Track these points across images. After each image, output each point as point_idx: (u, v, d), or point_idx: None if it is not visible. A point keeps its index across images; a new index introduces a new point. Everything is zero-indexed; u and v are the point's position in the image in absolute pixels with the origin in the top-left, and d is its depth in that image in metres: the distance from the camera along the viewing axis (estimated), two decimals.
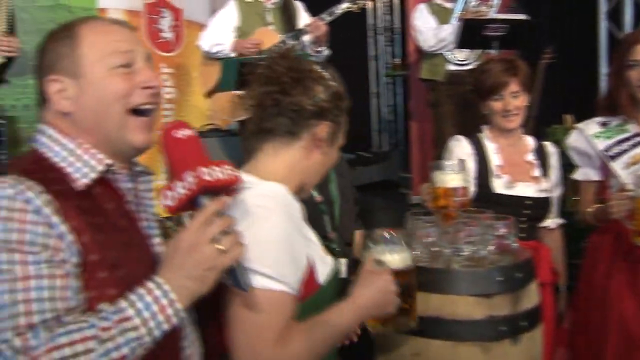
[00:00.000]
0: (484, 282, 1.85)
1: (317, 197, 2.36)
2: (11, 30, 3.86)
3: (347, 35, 7.46)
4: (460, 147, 2.77)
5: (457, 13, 5.30)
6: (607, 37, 5.64)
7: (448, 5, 5.44)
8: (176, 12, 6.23)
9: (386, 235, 1.69)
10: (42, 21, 5.73)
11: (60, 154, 1.41)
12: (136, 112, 1.45)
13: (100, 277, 1.33)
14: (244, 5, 4.81)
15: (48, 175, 1.35)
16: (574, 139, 2.84)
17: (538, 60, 4.95)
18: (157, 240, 1.51)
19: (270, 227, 1.51)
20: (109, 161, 1.42)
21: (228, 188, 1.39)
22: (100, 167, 1.41)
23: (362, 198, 2.77)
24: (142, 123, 1.46)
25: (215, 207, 1.34)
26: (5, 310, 1.22)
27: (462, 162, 2.16)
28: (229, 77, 4.14)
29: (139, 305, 1.27)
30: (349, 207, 2.64)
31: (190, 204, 1.34)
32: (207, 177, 1.33)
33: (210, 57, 4.81)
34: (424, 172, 6.48)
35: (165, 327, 1.29)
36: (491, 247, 1.93)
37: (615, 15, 5.59)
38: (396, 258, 1.66)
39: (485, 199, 2.60)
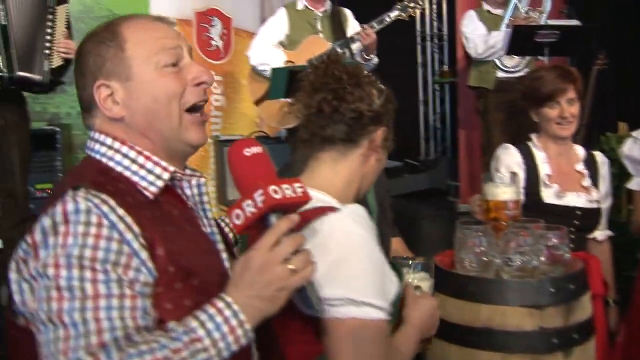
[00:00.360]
0: (535, 293, 1.82)
1: None
2: (69, 35, 3.97)
3: (396, 43, 7.47)
4: (509, 156, 2.74)
5: (506, 19, 5.26)
6: None
7: (497, 11, 5.40)
8: (226, 20, 6.31)
9: (412, 261, 1.68)
10: None
11: (123, 163, 1.38)
12: (189, 109, 1.43)
13: (176, 289, 1.30)
14: (294, 13, 4.85)
15: (119, 187, 1.33)
16: (628, 148, 2.78)
17: (590, 66, 4.85)
18: (221, 245, 1.48)
19: (368, 254, 1.48)
20: (172, 168, 1.40)
21: (298, 206, 1.37)
22: (167, 175, 1.39)
23: (409, 206, 2.77)
24: (197, 120, 1.44)
25: (285, 226, 1.29)
26: (77, 329, 1.19)
27: (513, 175, 2.14)
28: (279, 86, 4.16)
29: (209, 325, 1.23)
30: (387, 216, 2.63)
31: (260, 222, 1.32)
32: (276, 196, 1.30)
33: (255, 72, 4.87)
34: (472, 180, 6.43)
35: (234, 348, 1.25)
36: (543, 258, 1.90)
37: None
38: (426, 284, 1.66)
39: (535, 208, 2.56)
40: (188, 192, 1.46)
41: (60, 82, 3.99)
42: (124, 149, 1.39)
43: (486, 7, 5.49)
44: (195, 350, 1.21)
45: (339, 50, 4.65)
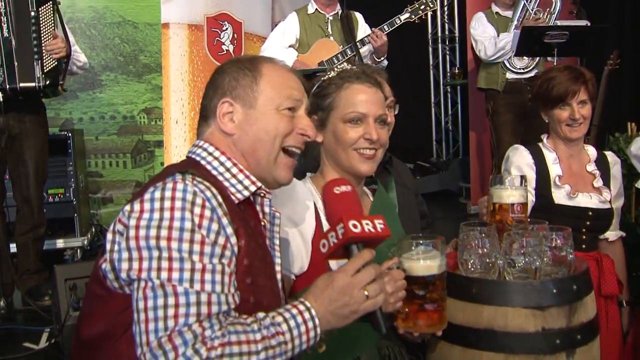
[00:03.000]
0: (538, 294, 1.82)
1: None
2: (62, 31, 3.94)
3: (408, 44, 7.47)
4: (520, 157, 2.73)
5: (516, 21, 5.26)
6: None
7: (506, 13, 5.40)
8: (237, 24, 6.33)
9: (420, 242, 1.72)
10: (109, 37, 5.95)
11: (219, 169, 1.58)
12: (286, 151, 1.63)
13: (246, 282, 1.47)
14: (305, 17, 4.88)
15: (216, 184, 1.51)
16: (636, 147, 2.77)
17: (601, 66, 4.84)
18: (278, 267, 1.66)
19: None
20: (260, 184, 1.60)
21: (380, 240, 1.56)
22: (253, 188, 1.59)
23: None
24: (290, 162, 1.65)
25: (367, 257, 1.49)
26: (189, 298, 1.32)
27: (521, 177, 2.13)
28: None
29: (292, 323, 1.40)
30: (411, 218, 2.62)
31: (344, 250, 1.53)
32: (355, 230, 1.50)
33: None
34: (483, 182, 6.43)
35: (304, 347, 1.42)
36: (546, 259, 1.89)
37: None
38: (420, 265, 1.69)
39: (546, 209, 2.56)
40: (267, 209, 1.66)
41: (59, 84, 3.96)
42: (222, 158, 1.59)
43: (495, 9, 5.49)
44: (279, 341, 1.37)
45: (348, 52, 4.67)
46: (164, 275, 1.33)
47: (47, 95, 4.04)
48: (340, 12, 4.88)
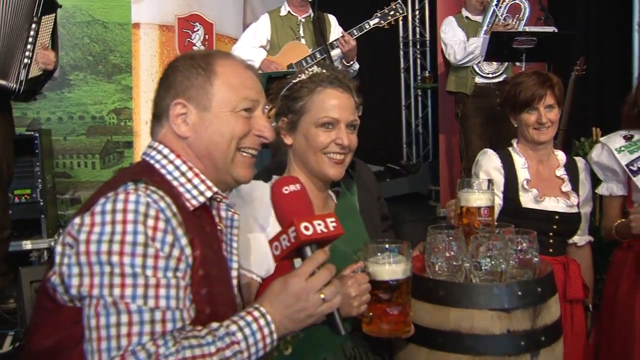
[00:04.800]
0: (504, 296, 1.84)
1: None
2: (53, 46, 3.94)
3: (379, 47, 7.51)
4: (489, 161, 2.75)
5: (485, 26, 5.32)
6: None
7: (476, 18, 5.46)
8: (208, 26, 6.32)
9: (386, 246, 1.74)
10: (78, 36, 5.88)
11: (173, 173, 1.52)
12: (242, 151, 1.59)
13: (201, 293, 1.42)
14: (277, 19, 4.87)
15: (171, 191, 1.45)
16: (596, 154, 2.80)
17: (568, 72, 4.92)
18: (234, 273, 1.63)
19: None
20: (216, 189, 1.55)
21: (332, 239, 1.54)
22: (209, 193, 1.54)
23: (391, 210, 2.77)
24: (248, 160, 1.61)
25: (321, 258, 1.46)
26: (142, 316, 1.28)
27: (489, 181, 2.16)
28: None
29: (247, 331, 1.37)
30: (372, 221, 2.63)
31: (296, 252, 1.50)
32: (307, 233, 1.47)
33: None
34: (452, 185, 6.47)
35: (261, 354, 1.39)
36: (512, 262, 1.92)
37: None
38: (385, 269, 1.71)
39: (514, 212, 2.59)
40: (223, 214, 1.62)
41: (36, 92, 3.95)
42: (178, 162, 1.54)
43: (466, 13, 5.55)
44: (235, 351, 1.34)
45: (318, 55, 4.68)
46: (117, 292, 1.28)
47: (18, 99, 4.00)
48: (313, 14, 4.88)
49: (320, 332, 1.79)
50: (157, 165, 1.53)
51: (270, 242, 1.52)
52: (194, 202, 1.51)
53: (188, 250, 1.39)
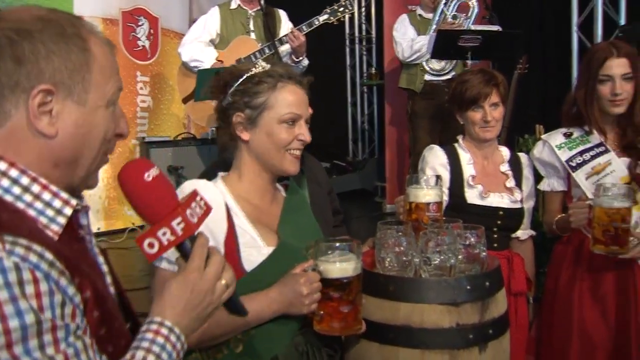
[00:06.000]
0: (453, 290, 1.86)
1: None
2: None
3: (326, 44, 7.52)
4: (435, 157, 2.78)
5: (434, 24, 5.38)
6: (579, 49, 5.74)
7: (429, 15, 5.52)
8: (153, 20, 6.23)
9: (336, 244, 1.75)
10: None
11: (12, 191, 1.14)
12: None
13: (101, 334, 1.18)
14: (227, 12, 4.83)
15: (27, 226, 1.11)
16: (538, 150, 2.87)
17: (512, 71, 5.01)
18: (109, 278, 1.33)
19: None
20: (75, 201, 1.20)
21: (204, 219, 1.33)
22: (69, 210, 1.19)
23: None
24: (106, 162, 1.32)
25: (205, 243, 1.29)
26: None
27: (436, 177, 2.18)
28: (205, 87, 4.15)
29: (164, 357, 1.20)
30: (323, 216, 2.64)
31: (177, 247, 1.29)
32: (194, 220, 1.27)
33: (186, 68, 4.84)
34: (399, 181, 6.54)
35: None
36: (460, 256, 1.95)
37: (586, 27, 5.69)
38: (336, 268, 1.73)
39: (459, 208, 2.62)
40: (84, 222, 1.28)
41: None
42: (14, 173, 1.14)
43: (419, 11, 5.62)
44: None
45: (267, 51, 4.66)
46: None
47: None
48: (263, 8, 4.84)
49: (272, 328, 1.79)
50: None
51: (140, 239, 1.25)
52: (54, 226, 1.15)
53: (78, 298, 1.11)
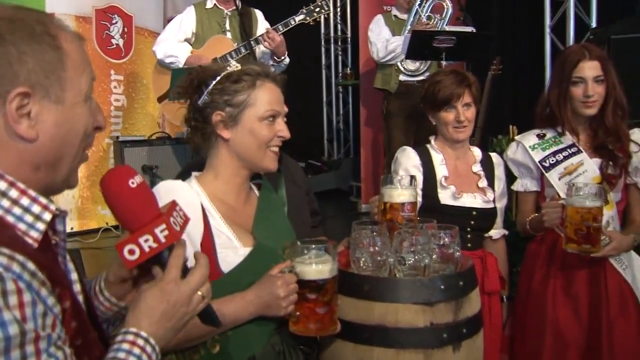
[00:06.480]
0: (427, 290, 1.88)
1: None
2: None
3: (301, 44, 7.52)
4: (407, 158, 2.78)
5: (409, 25, 5.41)
6: (551, 50, 5.80)
7: (404, 16, 5.54)
8: (127, 18, 6.18)
9: (312, 246, 1.75)
10: None
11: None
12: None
13: (77, 345, 1.16)
14: (203, 12, 4.82)
15: (8, 234, 1.10)
16: (512, 151, 2.90)
17: (485, 72, 5.06)
18: (78, 286, 1.29)
19: None
20: (53, 206, 1.18)
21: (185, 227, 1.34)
22: (48, 216, 1.17)
23: None
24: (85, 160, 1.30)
25: (181, 254, 1.29)
26: None
27: (411, 177, 2.19)
28: (174, 88, 4.14)
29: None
30: (301, 216, 2.63)
31: (154, 256, 1.28)
32: (177, 228, 1.28)
33: (162, 65, 4.81)
34: (374, 181, 6.56)
35: None
36: (434, 256, 1.96)
37: (558, 29, 5.76)
38: (312, 269, 1.73)
39: (432, 209, 2.62)
40: (60, 227, 1.24)
41: None
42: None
43: (395, 11, 5.64)
44: None
45: (242, 50, 4.65)
46: None
47: None
48: (239, 8, 4.83)
49: (249, 329, 1.79)
50: None
51: (120, 245, 1.25)
52: (34, 233, 1.13)
53: (57, 309, 1.10)
